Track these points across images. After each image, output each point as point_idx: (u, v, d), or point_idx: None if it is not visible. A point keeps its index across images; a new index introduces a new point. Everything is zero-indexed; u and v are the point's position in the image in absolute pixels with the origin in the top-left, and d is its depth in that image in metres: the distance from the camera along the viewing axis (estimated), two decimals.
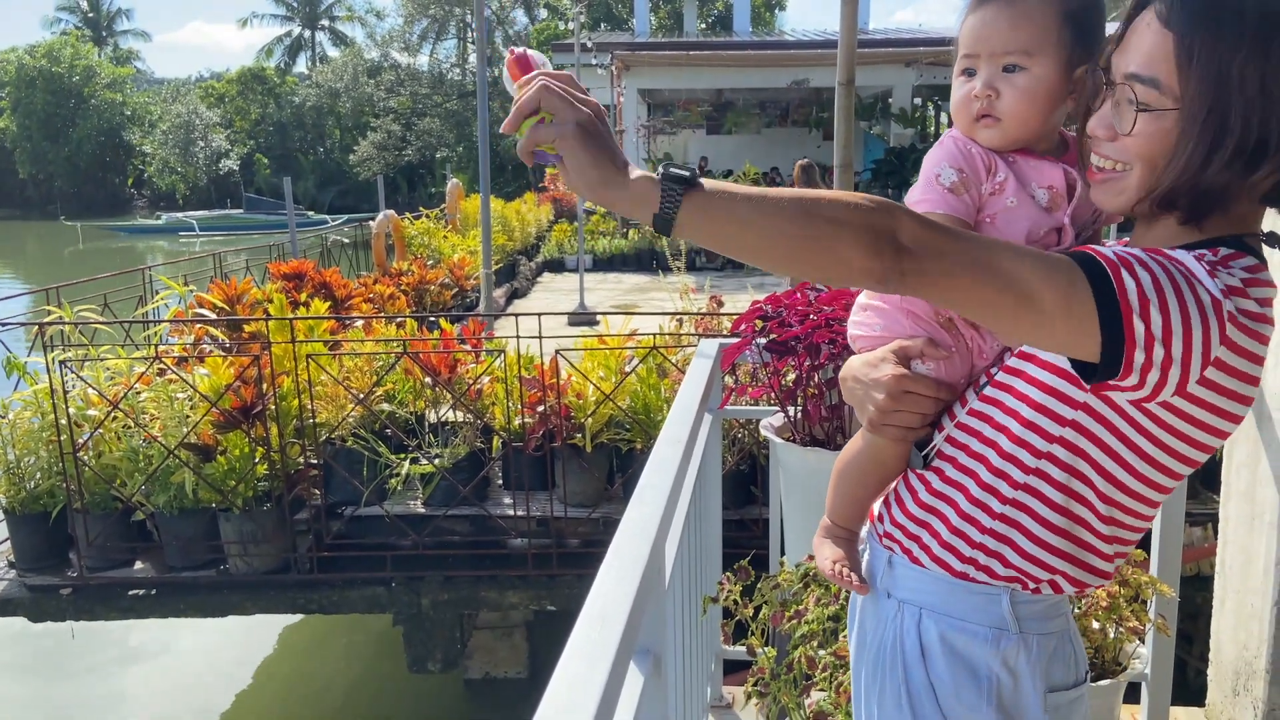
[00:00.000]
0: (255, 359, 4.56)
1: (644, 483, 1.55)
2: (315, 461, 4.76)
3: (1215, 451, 1.12)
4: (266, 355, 4.68)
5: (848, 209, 0.92)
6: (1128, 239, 1.14)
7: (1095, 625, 2.28)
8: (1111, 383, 0.98)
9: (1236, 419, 1.04)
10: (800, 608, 2.05)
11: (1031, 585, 1.17)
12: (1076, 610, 2.28)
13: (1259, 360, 1.01)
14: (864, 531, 1.41)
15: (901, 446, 1.26)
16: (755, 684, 2.12)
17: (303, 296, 7.00)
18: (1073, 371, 1.03)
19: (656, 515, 1.38)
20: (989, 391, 1.18)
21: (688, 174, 0.93)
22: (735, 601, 2.18)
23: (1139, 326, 0.93)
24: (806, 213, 0.92)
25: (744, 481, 4.74)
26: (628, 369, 4.75)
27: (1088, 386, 1.03)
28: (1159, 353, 0.94)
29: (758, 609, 2.18)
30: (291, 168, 44.90)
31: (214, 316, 5.78)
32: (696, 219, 0.94)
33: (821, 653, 1.95)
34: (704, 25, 36.25)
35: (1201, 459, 1.09)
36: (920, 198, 1.23)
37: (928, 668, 1.20)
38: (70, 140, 47.23)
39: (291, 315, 5.22)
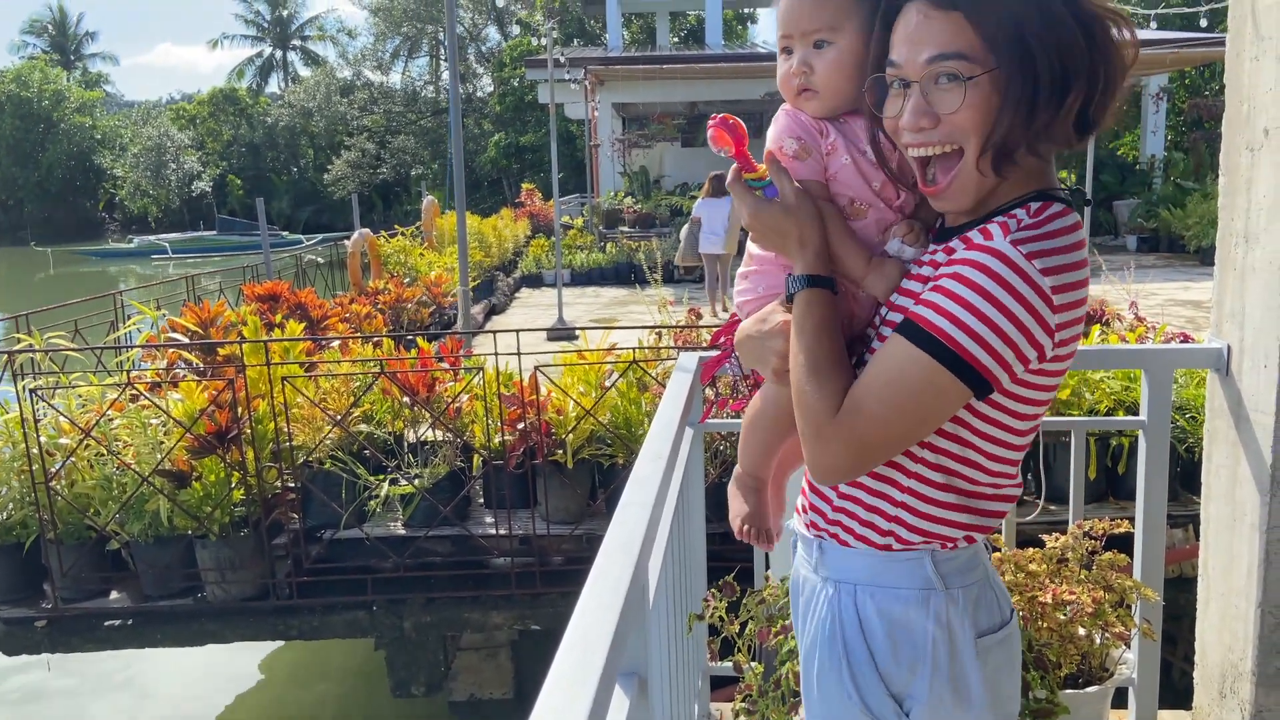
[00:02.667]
0: (229, 383, 4.50)
1: (625, 500, 1.53)
2: (293, 485, 4.70)
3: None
4: (241, 379, 4.62)
5: (824, 396, 1.22)
6: (938, 250, 1.26)
7: (1081, 632, 2.28)
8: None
9: (1073, 354, 1.22)
10: (787, 622, 2.03)
11: (948, 544, 1.29)
12: (1063, 616, 2.27)
13: (1083, 303, 1.18)
14: (791, 523, 1.51)
15: None
16: (743, 700, 2.09)
17: (278, 318, 6.95)
18: None
19: (639, 535, 1.36)
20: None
21: (816, 280, 1.28)
22: (721, 618, 2.15)
23: (980, 354, 1.12)
24: (815, 373, 1.24)
25: (725, 494, 4.72)
26: (608, 384, 4.73)
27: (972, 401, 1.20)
28: (1009, 355, 1.13)
29: (744, 625, 2.16)
30: (265, 188, 44.64)
31: (186, 340, 5.71)
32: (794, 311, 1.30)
33: None
34: (676, 39, 36.43)
35: (1059, 383, 1.27)
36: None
37: (867, 640, 1.30)
38: (40, 165, 46.75)
39: (266, 338, 5.17)
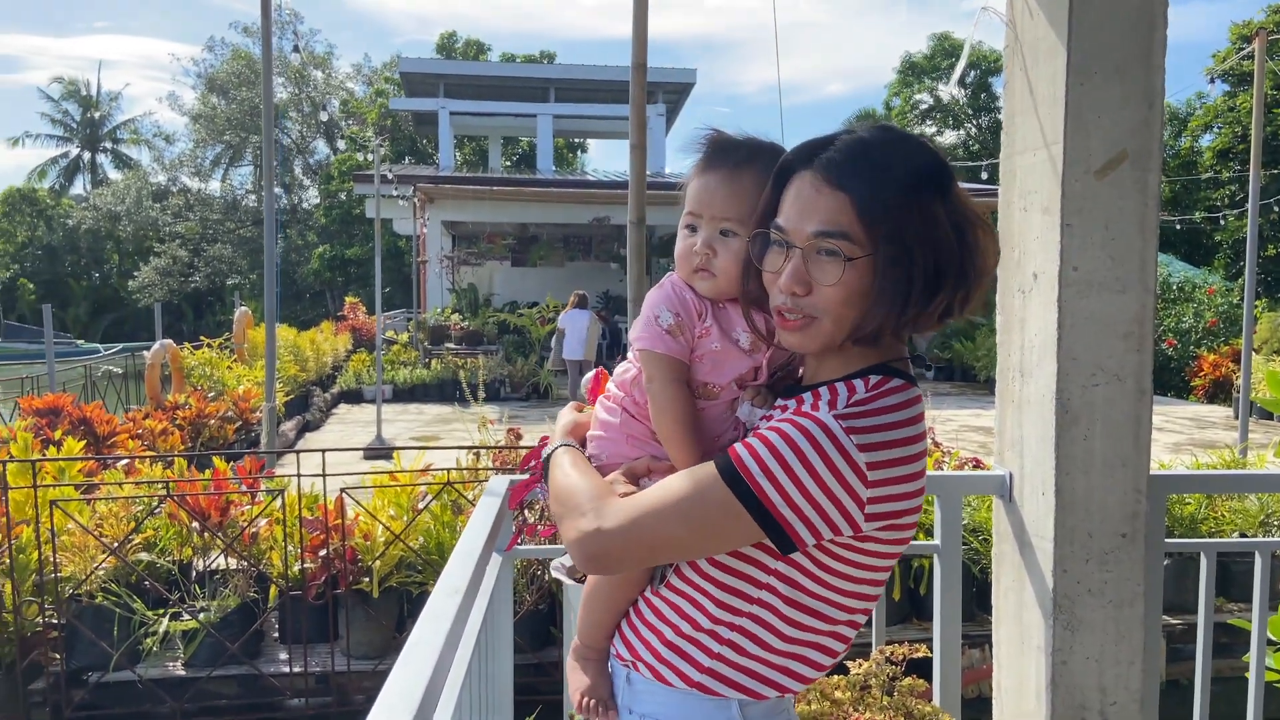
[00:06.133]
0: None
1: (414, 639, 1.41)
2: (56, 621, 4.20)
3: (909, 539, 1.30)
4: (2, 503, 4.14)
5: (578, 515, 1.27)
6: (778, 409, 1.31)
7: None
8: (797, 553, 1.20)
9: (911, 526, 1.24)
10: None
11: (764, 690, 1.29)
12: None
13: (914, 478, 1.20)
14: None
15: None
16: None
17: (58, 434, 6.34)
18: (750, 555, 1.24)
19: (420, 685, 1.24)
20: None
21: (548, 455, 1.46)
22: None
23: (783, 509, 1.14)
24: (566, 497, 1.33)
25: (544, 622, 4.56)
26: (420, 506, 4.53)
27: (782, 555, 1.21)
28: (814, 516, 1.14)
29: None
30: (62, 293, 41.59)
31: None
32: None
33: None
34: (508, 163, 37.17)
35: (899, 553, 1.28)
36: (641, 334, 1.36)
37: None
38: None
39: (35, 457, 4.67)
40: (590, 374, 1.70)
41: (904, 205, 1.14)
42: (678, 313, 1.35)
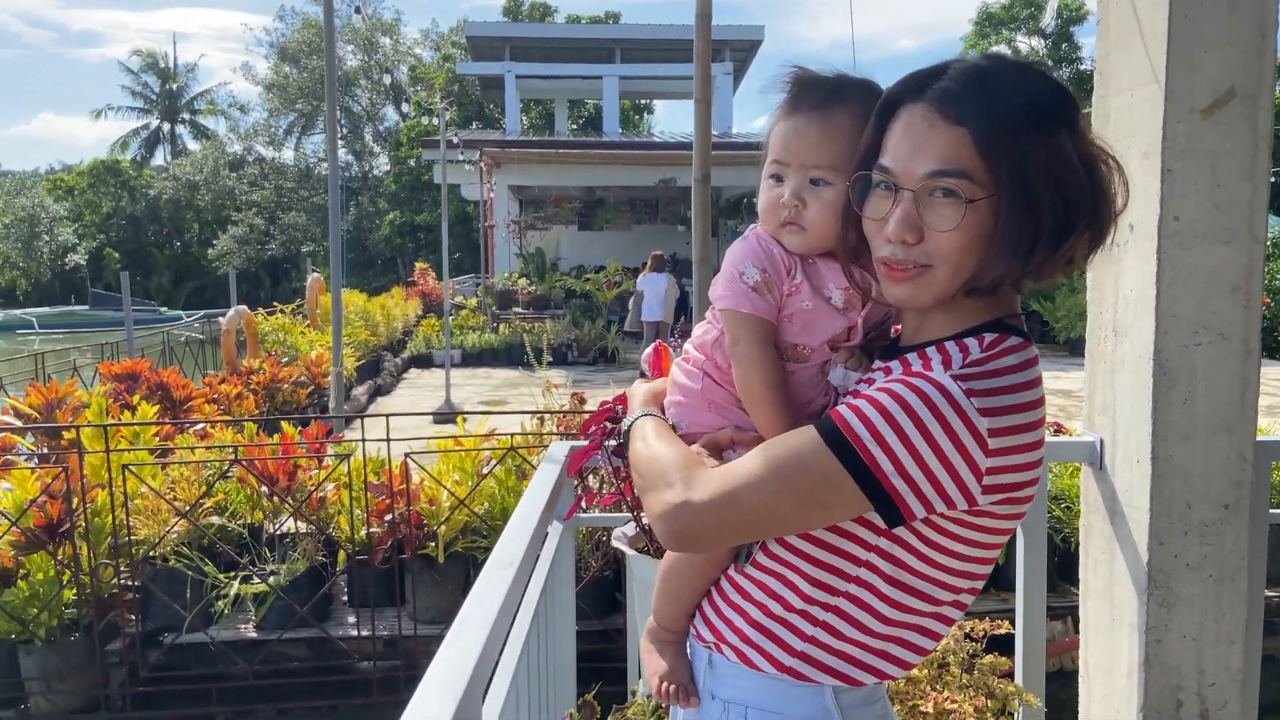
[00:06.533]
0: (63, 470, 4.11)
1: (463, 616, 1.35)
2: (132, 584, 4.29)
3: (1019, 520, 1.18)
4: (78, 466, 4.22)
5: (664, 487, 1.17)
6: (879, 370, 1.18)
7: None
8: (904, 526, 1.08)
9: (1029, 499, 1.12)
10: None
11: (861, 676, 1.18)
12: None
13: (1034, 447, 1.08)
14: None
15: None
16: None
17: (136, 399, 6.49)
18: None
19: (469, 666, 1.17)
20: None
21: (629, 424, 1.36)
22: None
23: (894, 478, 1.02)
24: (650, 468, 1.22)
25: (609, 588, 4.51)
26: (485, 471, 4.51)
27: (885, 530, 1.10)
28: (927, 487, 1.03)
29: None
30: (145, 263, 42.87)
31: (18, 424, 5.25)
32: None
33: None
34: (574, 126, 37.00)
35: (1012, 529, 1.17)
36: (724, 292, 1.23)
37: None
38: None
39: (108, 421, 4.76)
40: (649, 347, 1.59)
41: (1029, 139, 1.02)
42: (764, 268, 1.22)
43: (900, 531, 1.10)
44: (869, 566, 1.14)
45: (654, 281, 13.37)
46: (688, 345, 1.37)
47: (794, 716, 1.19)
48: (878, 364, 1.19)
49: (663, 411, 1.37)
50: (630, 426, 1.34)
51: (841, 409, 1.07)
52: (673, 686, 1.33)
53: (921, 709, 2.08)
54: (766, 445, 1.12)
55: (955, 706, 2.10)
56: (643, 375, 1.56)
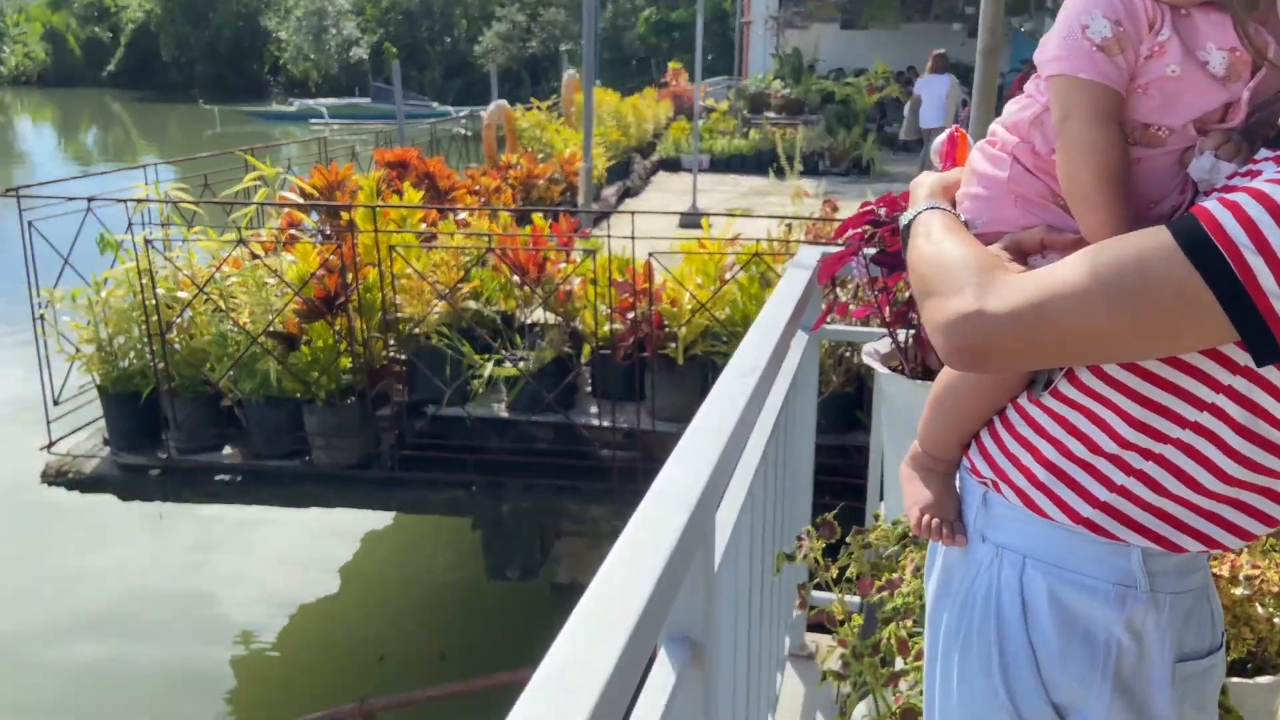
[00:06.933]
0: (337, 247, 4.38)
1: (696, 425, 1.24)
2: (399, 357, 4.61)
3: None
4: (351, 244, 4.50)
5: (952, 292, 0.93)
6: (1269, 160, 0.85)
7: (1260, 611, 1.88)
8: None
9: None
10: (894, 576, 1.72)
11: (1183, 541, 0.96)
12: (1240, 591, 1.88)
13: None
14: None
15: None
16: (838, 657, 1.81)
17: (405, 184, 6.83)
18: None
19: (701, 480, 1.06)
20: None
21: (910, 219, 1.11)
22: (817, 560, 1.85)
23: (1276, 300, 0.77)
24: (934, 270, 0.98)
25: (849, 405, 4.37)
26: (727, 276, 4.39)
27: (1246, 368, 0.86)
28: None
29: (843, 570, 1.86)
30: (420, 58, 44.83)
31: (300, 201, 5.65)
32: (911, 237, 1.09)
33: (918, 635, 1.62)
34: None
35: None
36: (1056, 53, 0.94)
37: (1029, 628, 1.01)
38: (210, 25, 48.31)
39: (376, 203, 5.01)
40: (943, 134, 1.33)
41: None
42: (1118, 20, 0.91)
43: (1266, 371, 0.85)
44: (1214, 410, 0.89)
45: (933, 84, 11.76)
46: (994, 125, 1.09)
47: (1086, 575, 0.99)
48: (1263, 154, 0.88)
49: (954, 206, 1.13)
50: (911, 221, 1.10)
51: (1210, 204, 0.81)
52: (936, 520, 1.15)
53: (1215, 572, 1.82)
54: (1095, 248, 0.86)
55: (1257, 572, 1.82)
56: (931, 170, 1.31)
